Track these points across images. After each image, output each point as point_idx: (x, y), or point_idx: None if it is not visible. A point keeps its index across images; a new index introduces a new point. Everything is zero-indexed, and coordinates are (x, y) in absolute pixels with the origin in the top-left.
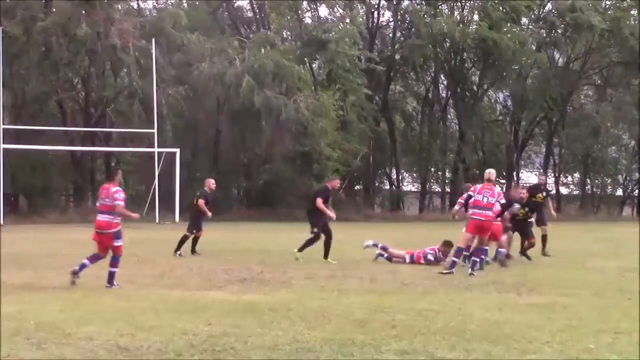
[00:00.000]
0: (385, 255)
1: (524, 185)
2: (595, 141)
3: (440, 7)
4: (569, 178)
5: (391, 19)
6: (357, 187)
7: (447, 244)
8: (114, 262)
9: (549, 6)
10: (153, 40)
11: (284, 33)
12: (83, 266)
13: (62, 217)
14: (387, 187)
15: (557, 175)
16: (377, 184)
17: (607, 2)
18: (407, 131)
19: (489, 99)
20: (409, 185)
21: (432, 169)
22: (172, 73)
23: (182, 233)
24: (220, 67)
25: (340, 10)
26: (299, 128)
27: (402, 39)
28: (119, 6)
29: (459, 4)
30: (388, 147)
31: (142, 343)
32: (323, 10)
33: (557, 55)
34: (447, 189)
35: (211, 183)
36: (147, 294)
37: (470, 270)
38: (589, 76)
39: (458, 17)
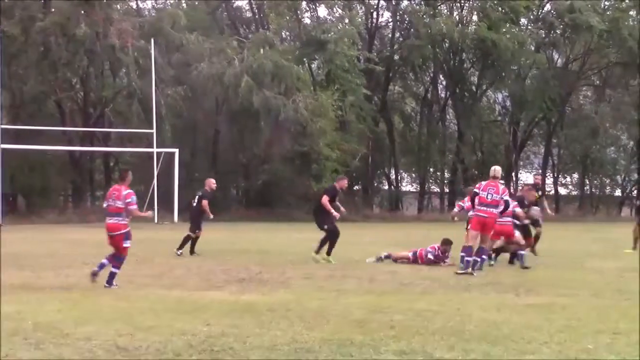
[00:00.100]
0: (391, 258)
1: (523, 185)
2: (594, 142)
3: (439, 7)
4: (568, 178)
5: (390, 20)
6: (355, 187)
7: (447, 242)
8: (118, 264)
9: (547, 7)
10: (152, 41)
11: (282, 33)
12: (102, 265)
13: (61, 217)
14: (386, 187)
15: (555, 175)
16: (375, 184)
17: (606, 3)
18: (405, 131)
19: (488, 100)
20: (408, 186)
21: (431, 169)
22: (171, 73)
23: (181, 233)
24: (219, 67)
25: (339, 11)
26: (297, 128)
27: (401, 39)
28: (118, 6)
29: (458, 4)
30: (387, 147)
31: (140, 343)
32: (322, 11)
33: (555, 56)
34: (446, 190)
35: (212, 183)
36: (145, 294)
37: (470, 269)
38: (587, 77)
39: (457, 17)
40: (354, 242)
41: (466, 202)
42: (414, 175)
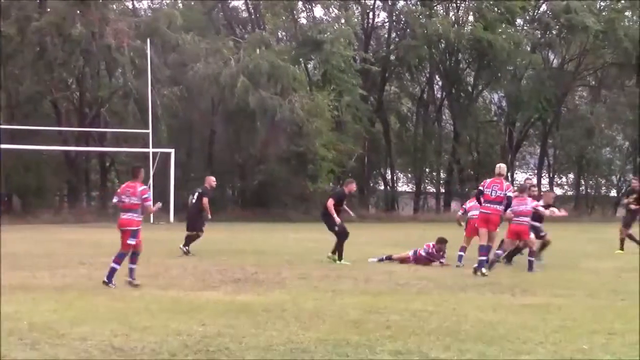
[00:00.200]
0: (392, 259)
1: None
2: (590, 142)
3: (435, 7)
4: (563, 179)
5: (386, 20)
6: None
7: (442, 241)
8: (118, 259)
9: (543, 7)
10: (148, 41)
11: (279, 33)
12: (131, 270)
13: (56, 217)
14: (382, 187)
15: (551, 176)
16: (371, 185)
17: (602, 3)
18: (401, 132)
19: (484, 100)
20: (404, 186)
21: (427, 170)
22: (167, 73)
23: (176, 233)
24: (215, 68)
25: (336, 11)
26: (293, 128)
27: (397, 39)
28: (114, 6)
29: (454, 4)
30: (383, 147)
31: (136, 343)
32: (318, 11)
33: (551, 57)
34: (442, 190)
35: (212, 180)
36: (141, 294)
37: (486, 268)
38: (583, 77)
39: (453, 18)
40: (350, 242)
41: (468, 204)
42: (409, 175)
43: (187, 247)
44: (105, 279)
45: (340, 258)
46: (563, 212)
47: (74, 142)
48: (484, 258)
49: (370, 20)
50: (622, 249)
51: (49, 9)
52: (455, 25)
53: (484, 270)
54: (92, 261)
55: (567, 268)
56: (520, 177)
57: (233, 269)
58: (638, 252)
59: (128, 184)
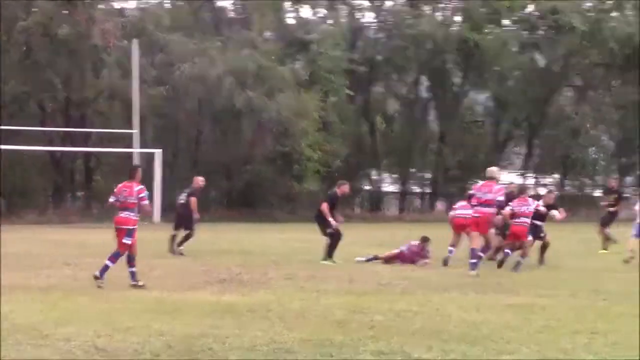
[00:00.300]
0: (378, 260)
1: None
2: (575, 142)
3: (422, 8)
4: (549, 179)
5: (373, 20)
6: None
7: (425, 240)
8: (113, 258)
9: (530, 8)
10: (135, 41)
11: (266, 33)
12: (132, 274)
13: (41, 217)
14: (368, 187)
15: (536, 176)
16: (357, 185)
17: (588, 4)
18: (387, 132)
19: (470, 100)
20: (389, 186)
21: (413, 170)
22: (154, 73)
23: (161, 233)
24: (202, 68)
25: (323, 11)
26: (280, 129)
27: (384, 40)
28: (102, 6)
29: (441, 5)
30: (369, 147)
31: (119, 344)
32: (306, 11)
33: (538, 57)
34: (428, 190)
35: (200, 181)
36: (125, 294)
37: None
38: (569, 77)
39: (440, 18)
40: None
41: (458, 205)
42: (395, 175)
43: (181, 247)
44: (97, 273)
45: (329, 257)
46: (563, 215)
47: (59, 142)
48: (474, 261)
49: (358, 21)
50: (605, 248)
51: (35, 9)
52: (442, 26)
53: (472, 272)
54: (76, 262)
55: (551, 268)
56: (506, 177)
57: (218, 269)
58: (620, 251)
59: (125, 183)
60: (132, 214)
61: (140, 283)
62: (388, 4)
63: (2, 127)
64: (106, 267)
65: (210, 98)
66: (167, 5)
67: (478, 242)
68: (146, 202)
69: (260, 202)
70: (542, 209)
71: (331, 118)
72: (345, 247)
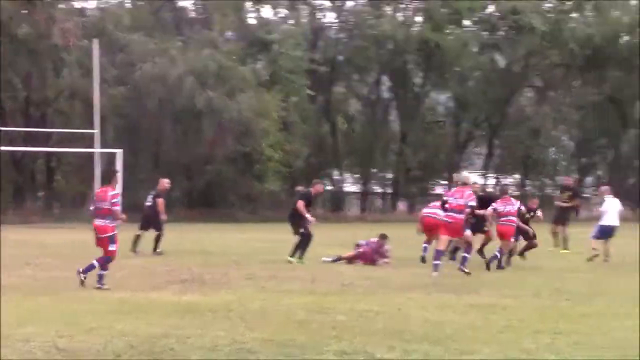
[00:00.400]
0: (342, 260)
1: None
2: (535, 142)
3: (383, 8)
4: (509, 179)
5: (334, 20)
6: (298, 188)
7: (383, 237)
8: (102, 262)
9: (491, 8)
10: (95, 40)
11: (227, 33)
12: (100, 277)
13: (2, 217)
14: (329, 187)
15: (497, 176)
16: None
17: (549, 5)
18: (349, 132)
19: (431, 101)
20: (351, 186)
21: (374, 170)
22: (114, 73)
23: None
24: (163, 68)
25: (284, 11)
26: (240, 129)
27: (345, 40)
28: (62, 5)
29: (402, 5)
30: (330, 148)
31: (81, 344)
32: (267, 11)
33: (498, 57)
34: (389, 190)
35: (165, 182)
36: (88, 295)
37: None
38: (529, 78)
39: (401, 18)
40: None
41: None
42: (356, 175)
43: (158, 250)
44: (81, 269)
45: (299, 257)
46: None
47: (20, 142)
48: (438, 262)
49: (319, 21)
50: (566, 248)
51: None
52: (404, 26)
53: (435, 273)
54: (37, 262)
55: (513, 268)
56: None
57: (180, 270)
58: (582, 251)
59: (101, 188)
60: (107, 221)
61: (105, 287)
62: (349, 4)
63: None
64: (92, 267)
65: (171, 98)
66: (128, 5)
67: (445, 244)
68: (118, 208)
69: (221, 202)
70: (523, 208)
71: (292, 118)
72: (309, 248)
